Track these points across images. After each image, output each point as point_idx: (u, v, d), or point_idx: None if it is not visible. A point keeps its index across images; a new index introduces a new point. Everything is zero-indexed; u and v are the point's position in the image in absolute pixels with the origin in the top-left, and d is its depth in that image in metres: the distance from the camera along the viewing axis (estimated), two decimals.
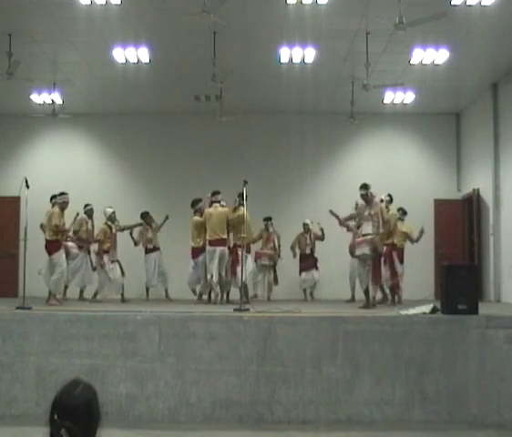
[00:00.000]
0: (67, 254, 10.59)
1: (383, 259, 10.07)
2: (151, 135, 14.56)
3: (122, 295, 11.19)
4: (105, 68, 11.77)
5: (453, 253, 13.42)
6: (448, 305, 7.21)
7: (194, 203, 10.99)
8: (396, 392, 6.72)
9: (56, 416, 2.21)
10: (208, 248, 10.41)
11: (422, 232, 11.30)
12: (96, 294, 11.16)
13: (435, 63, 11.26)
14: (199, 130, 14.31)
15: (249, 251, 11.37)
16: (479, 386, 6.73)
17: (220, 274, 10.39)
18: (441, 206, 14.28)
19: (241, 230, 9.41)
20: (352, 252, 9.97)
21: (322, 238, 12.64)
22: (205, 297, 10.91)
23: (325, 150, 14.55)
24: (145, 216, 12.32)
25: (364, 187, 9.62)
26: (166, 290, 12.30)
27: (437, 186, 14.41)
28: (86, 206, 11.65)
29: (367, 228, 9.46)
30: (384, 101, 13.36)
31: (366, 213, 9.54)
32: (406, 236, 11.32)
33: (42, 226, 10.29)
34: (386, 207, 10.67)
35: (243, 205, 9.29)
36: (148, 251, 12.26)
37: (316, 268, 12.78)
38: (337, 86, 12.42)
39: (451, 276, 7.39)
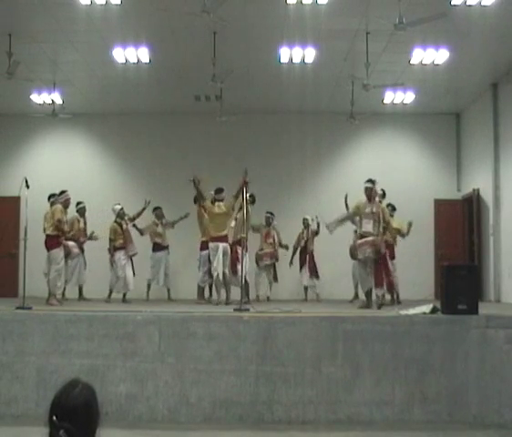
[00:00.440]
0: (68, 254, 10.61)
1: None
2: (151, 135, 14.56)
3: (124, 295, 11.19)
4: (105, 68, 11.77)
5: (453, 253, 13.43)
6: (448, 305, 7.21)
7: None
8: (396, 392, 6.72)
9: (54, 417, 2.21)
10: (210, 244, 10.49)
11: (410, 225, 11.24)
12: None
13: (435, 63, 11.26)
14: (199, 130, 14.30)
15: (246, 250, 11.44)
16: (479, 386, 6.73)
17: (223, 272, 10.45)
18: (441, 206, 14.27)
19: (242, 229, 9.49)
20: (353, 255, 9.87)
21: (317, 231, 12.60)
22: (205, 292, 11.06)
23: (325, 150, 14.55)
24: (156, 210, 12.35)
25: (371, 181, 9.56)
26: (168, 290, 12.32)
27: (437, 186, 14.40)
28: (78, 204, 11.65)
29: (368, 225, 9.33)
30: (384, 101, 13.36)
31: (368, 210, 9.41)
32: (398, 232, 11.26)
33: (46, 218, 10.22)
34: (380, 201, 10.61)
35: (244, 200, 9.31)
36: (156, 249, 12.24)
37: (317, 276, 12.71)
38: (337, 86, 12.42)
39: (451, 276, 7.39)
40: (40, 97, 13.09)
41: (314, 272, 12.66)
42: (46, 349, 6.86)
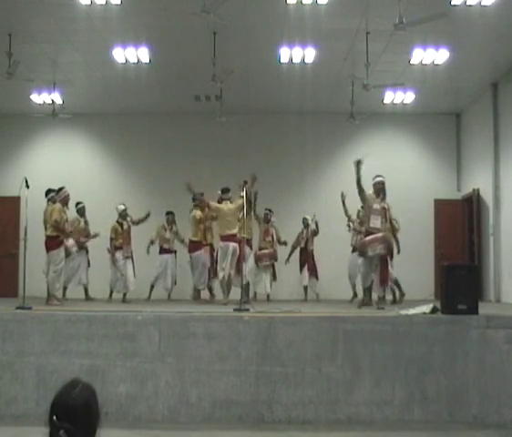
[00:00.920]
0: (68, 254, 10.60)
1: None
2: (151, 135, 14.56)
3: (124, 295, 11.20)
4: (105, 68, 11.77)
5: (453, 253, 13.43)
6: (448, 305, 7.21)
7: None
8: (396, 392, 6.72)
9: (54, 416, 2.21)
10: (221, 243, 10.37)
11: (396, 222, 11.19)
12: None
13: (435, 63, 11.27)
14: (199, 130, 14.30)
15: (251, 248, 11.48)
16: (479, 386, 6.73)
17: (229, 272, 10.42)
18: (441, 206, 14.28)
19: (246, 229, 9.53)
20: (362, 252, 9.40)
21: (316, 232, 12.61)
22: (203, 292, 11.04)
23: (325, 150, 14.55)
24: (168, 214, 12.26)
25: (382, 177, 9.47)
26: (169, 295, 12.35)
27: (437, 186, 14.41)
28: (77, 204, 11.66)
29: (376, 222, 9.14)
30: (384, 101, 13.36)
31: (376, 206, 9.24)
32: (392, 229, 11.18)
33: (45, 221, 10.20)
34: None
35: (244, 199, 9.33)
36: (162, 251, 12.20)
37: (316, 276, 12.71)
38: (337, 86, 12.42)
39: (451, 276, 7.39)
40: (40, 97, 13.10)
41: (314, 272, 12.68)
42: (45, 349, 6.86)
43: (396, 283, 10.51)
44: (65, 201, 9.86)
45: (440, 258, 13.20)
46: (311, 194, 14.28)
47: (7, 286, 12.54)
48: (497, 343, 6.78)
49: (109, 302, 10.72)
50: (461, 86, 12.96)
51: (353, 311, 8.40)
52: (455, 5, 9.05)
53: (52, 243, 9.56)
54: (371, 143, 14.60)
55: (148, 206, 12.81)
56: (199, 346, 6.80)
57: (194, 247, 11.32)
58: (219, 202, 10.70)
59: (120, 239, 11.23)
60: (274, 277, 12.53)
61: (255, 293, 12.21)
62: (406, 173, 14.23)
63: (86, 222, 11.75)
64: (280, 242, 12.51)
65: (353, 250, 11.95)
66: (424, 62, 11.22)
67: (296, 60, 11.23)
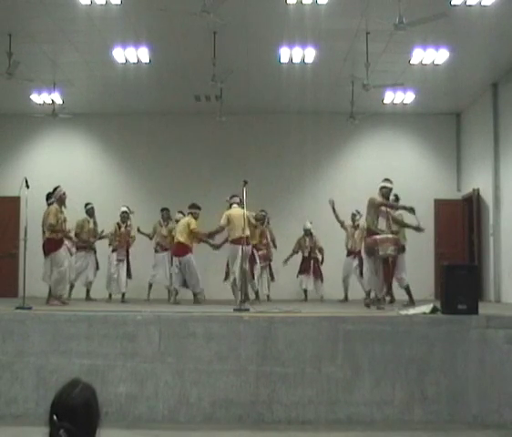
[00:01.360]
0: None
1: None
2: (151, 135, 14.56)
3: (123, 295, 11.19)
4: (105, 68, 11.77)
5: (453, 253, 13.42)
6: (448, 305, 7.21)
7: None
8: (396, 392, 6.72)
9: (54, 416, 2.21)
10: (231, 246, 10.35)
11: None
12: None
13: (435, 63, 11.27)
14: (199, 130, 14.31)
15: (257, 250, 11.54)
16: (479, 386, 6.73)
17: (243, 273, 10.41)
18: (441, 206, 14.28)
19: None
20: (372, 250, 9.16)
21: (320, 250, 12.75)
22: (200, 297, 10.96)
23: (325, 150, 14.56)
24: (163, 211, 12.17)
25: (390, 181, 9.49)
26: (169, 292, 12.29)
27: (437, 186, 14.41)
28: (86, 205, 11.70)
29: (383, 224, 9.25)
30: (384, 101, 13.37)
31: (383, 208, 9.33)
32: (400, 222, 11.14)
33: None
34: None
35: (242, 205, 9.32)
36: (158, 250, 12.16)
37: (321, 279, 12.69)
38: (337, 86, 12.42)
39: (451, 276, 7.38)
40: (40, 97, 13.10)
41: (319, 275, 12.69)
42: (45, 349, 6.85)
43: (407, 289, 10.36)
44: (61, 200, 9.65)
45: (440, 257, 13.19)
46: (311, 194, 14.28)
47: (7, 286, 12.54)
48: (497, 343, 6.78)
49: (109, 302, 10.71)
50: (461, 86, 12.96)
51: (353, 311, 8.40)
52: (455, 5, 9.06)
53: (51, 245, 9.44)
54: (371, 143, 14.64)
55: (147, 205, 12.86)
56: (198, 346, 6.80)
57: (183, 250, 10.91)
58: (228, 207, 10.67)
59: (116, 241, 11.22)
60: (272, 277, 12.54)
61: (257, 294, 12.18)
62: (406, 173, 14.21)
63: (95, 223, 11.77)
64: (273, 244, 12.52)
65: (348, 254, 12.19)
66: (424, 62, 11.22)
67: (296, 60, 11.23)
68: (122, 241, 11.32)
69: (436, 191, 14.32)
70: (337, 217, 11.99)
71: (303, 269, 12.73)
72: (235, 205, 10.56)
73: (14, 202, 12.68)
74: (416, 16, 8.43)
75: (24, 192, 8.25)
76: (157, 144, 14.51)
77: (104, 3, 9.07)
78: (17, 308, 7.57)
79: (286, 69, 11.65)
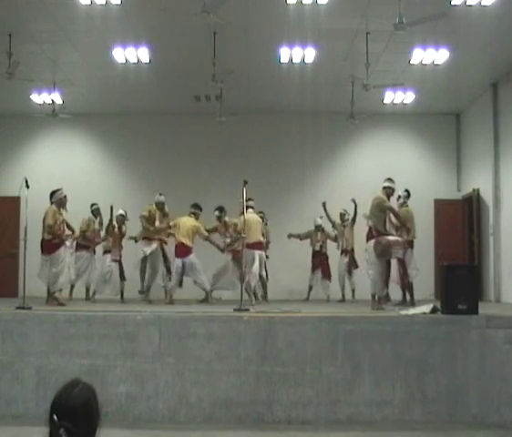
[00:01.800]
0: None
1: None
2: (151, 135, 14.56)
3: (122, 295, 11.16)
4: (105, 68, 11.77)
5: (453, 253, 13.40)
6: (448, 305, 7.21)
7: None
8: (396, 392, 6.72)
9: (54, 416, 2.21)
10: (246, 251, 10.10)
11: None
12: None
13: (435, 63, 11.27)
14: (199, 130, 14.31)
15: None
16: (479, 386, 6.73)
17: (260, 275, 10.83)
18: (441, 206, 14.27)
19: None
20: (385, 252, 9.01)
21: (334, 239, 12.62)
22: (212, 298, 11.01)
23: (325, 150, 14.55)
24: (157, 204, 11.72)
25: (392, 181, 9.46)
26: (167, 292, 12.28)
27: (437, 186, 14.40)
28: (92, 205, 11.71)
29: (388, 224, 9.37)
30: (384, 101, 13.37)
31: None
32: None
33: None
34: (404, 202, 10.63)
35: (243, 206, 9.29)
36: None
37: (329, 279, 12.60)
38: (337, 86, 12.42)
39: (451, 276, 7.39)
40: (40, 97, 13.10)
41: (327, 274, 12.62)
42: (45, 349, 6.86)
43: (410, 288, 10.31)
44: (60, 203, 9.64)
45: (440, 257, 13.18)
46: (311, 194, 14.27)
47: (7, 286, 12.53)
48: (497, 343, 6.78)
49: (109, 302, 10.69)
50: (461, 86, 12.96)
51: (353, 311, 8.40)
52: (455, 5, 9.06)
53: (50, 247, 9.40)
54: (371, 143, 14.64)
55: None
56: (199, 346, 6.80)
57: (186, 251, 10.80)
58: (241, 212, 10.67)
59: (110, 242, 11.20)
60: (266, 277, 12.51)
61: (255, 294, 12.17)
62: (406, 173, 14.14)
63: (100, 223, 11.74)
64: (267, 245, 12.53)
65: (342, 253, 12.31)
66: (424, 62, 11.22)
67: (296, 60, 11.23)
68: (116, 243, 11.29)
69: (436, 191, 14.31)
70: (329, 217, 12.30)
71: (315, 265, 12.64)
72: (250, 209, 10.53)
73: (14, 202, 12.68)
74: (416, 16, 8.42)
75: (24, 192, 8.26)
76: (157, 144, 14.51)
77: (104, 3, 9.07)
78: (17, 308, 7.58)
79: (286, 69, 11.64)
